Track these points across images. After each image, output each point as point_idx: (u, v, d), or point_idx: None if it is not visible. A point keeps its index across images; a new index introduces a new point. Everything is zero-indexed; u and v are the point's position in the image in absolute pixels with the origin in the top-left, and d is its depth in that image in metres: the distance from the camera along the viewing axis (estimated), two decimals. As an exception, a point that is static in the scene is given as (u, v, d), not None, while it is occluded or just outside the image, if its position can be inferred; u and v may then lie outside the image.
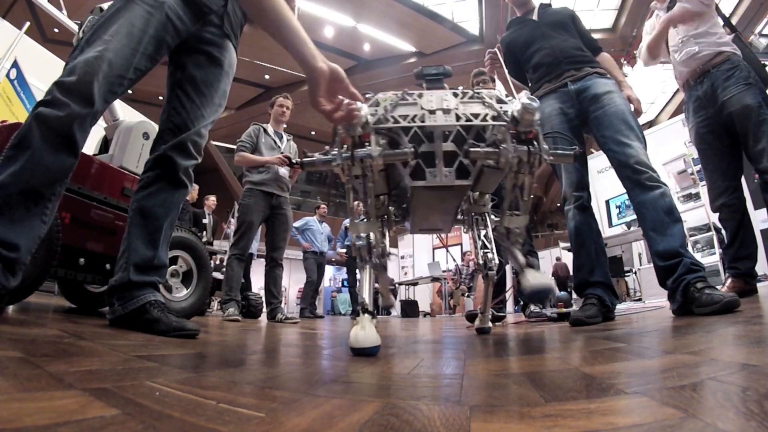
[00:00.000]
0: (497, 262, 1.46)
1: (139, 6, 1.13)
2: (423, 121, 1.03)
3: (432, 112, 1.04)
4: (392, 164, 1.05)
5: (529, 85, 2.15)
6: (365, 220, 1.16)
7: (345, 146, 1.04)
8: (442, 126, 1.03)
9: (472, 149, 1.03)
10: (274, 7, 1.00)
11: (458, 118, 1.04)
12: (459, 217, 1.58)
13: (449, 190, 1.07)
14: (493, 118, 1.05)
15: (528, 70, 2.12)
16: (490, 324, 1.74)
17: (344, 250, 5.85)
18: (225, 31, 1.37)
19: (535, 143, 1.05)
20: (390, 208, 1.42)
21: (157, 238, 1.28)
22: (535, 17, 2.14)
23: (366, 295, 1.12)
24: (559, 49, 1.99)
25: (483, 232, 1.49)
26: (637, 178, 1.69)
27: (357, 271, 6.04)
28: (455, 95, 1.08)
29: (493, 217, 1.50)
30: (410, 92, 1.08)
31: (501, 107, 1.06)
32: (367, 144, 1.02)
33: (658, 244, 1.63)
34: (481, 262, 1.49)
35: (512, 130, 1.04)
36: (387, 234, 1.38)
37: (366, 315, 1.04)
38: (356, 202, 1.13)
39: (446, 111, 1.05)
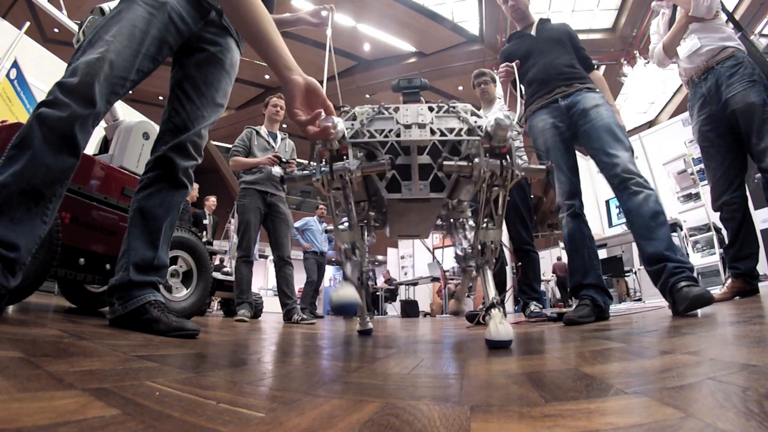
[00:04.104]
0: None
1: (140, 7, 1.14)
2: (399, 136, 1.06)
3: (408, 126, 1.07)
4: (369, 174, 1.08)
5: (524, 98, 2.23)
6: (348, 228, 1.20)
7: (324, 160, 1.06)
8: (417, 141, 1.06)
9: (445, 162, 1.05)
10: (252, 19, 0.98)
11: (433, 132, 1.06)
12: (438, 222, 1.60)
13: (424, 202, 1.10)
14: (468, 133, 1.07)
15: (524, 84, 2.20)
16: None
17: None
18: (224, 24, 1.36)
19: (508, 158, 1.04)
20: (370, 213, 1.44)
21: (157, 239, 1.28)
22: (533, 32, 2.22)
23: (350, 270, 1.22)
24: (551, 66, 2.08)
25: (466, 233, 1.50)
26: (624, 185, 1.78)
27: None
28: (431, 109, 1.10)
29: (471, 222, 1.51)
30: (386, 106, 1.11)
31: (475, 122, 1.08)
32: (345, 157, 1.05)
33: (645, 248, 1.71)
34: (460, 254, 1.50)
35: (486, 144, 1.04)
36: (366, 238, 1.43)
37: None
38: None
39: (421, 125, 1.07)
